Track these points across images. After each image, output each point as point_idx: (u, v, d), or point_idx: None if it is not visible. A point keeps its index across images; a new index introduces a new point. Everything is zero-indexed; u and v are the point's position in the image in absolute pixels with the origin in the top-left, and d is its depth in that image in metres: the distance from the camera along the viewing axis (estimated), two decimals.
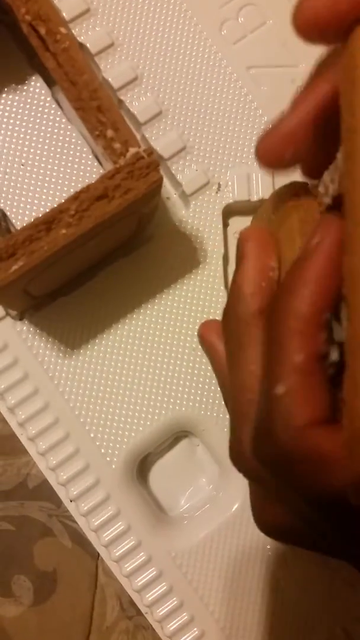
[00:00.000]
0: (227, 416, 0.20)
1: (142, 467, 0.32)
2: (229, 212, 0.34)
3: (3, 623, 0.31)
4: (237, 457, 0.18)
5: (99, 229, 0.25)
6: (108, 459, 0.31)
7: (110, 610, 0.32)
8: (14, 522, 0.32)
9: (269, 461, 0.16)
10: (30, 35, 0.25)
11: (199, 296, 0.32)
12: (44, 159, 0.31)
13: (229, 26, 0.33)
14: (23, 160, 0.31)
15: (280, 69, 0.34)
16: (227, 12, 0.33)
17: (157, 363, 0.32)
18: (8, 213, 0.30)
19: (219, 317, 0.31)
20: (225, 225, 0.34)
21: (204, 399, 0.32)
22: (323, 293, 0.16)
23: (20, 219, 0.30)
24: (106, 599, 0.32)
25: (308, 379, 0.15)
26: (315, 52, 0.18)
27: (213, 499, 0.32)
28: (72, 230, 0.25)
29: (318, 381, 0.15)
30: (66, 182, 0.30)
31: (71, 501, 0.31)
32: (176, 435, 0.33)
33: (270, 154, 0.17)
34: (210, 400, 0.32)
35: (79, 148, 0.31)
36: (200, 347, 0.31)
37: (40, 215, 0.24)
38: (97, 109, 0.25)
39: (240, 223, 0.34)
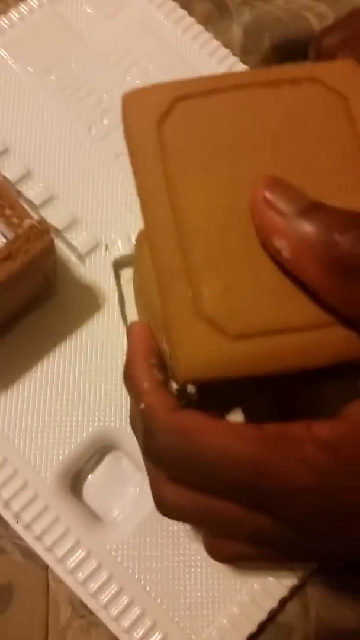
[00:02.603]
0: None
1: (76, 482, 0.38)
2: (118, 265, 0.42)
3: None
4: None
5: (9, 282, 0.33)
6: (42, 475, 0.37)
7: (63, 613, 0.37)
8: None
9: (163, 458, 0.23)
10: None
11: (103, 333, 0.40)
12: None
13: (96, 128, 0.44)
14: None
15: None
16: (94, 117, 0.44)
17: (75, 392, 0.39)
18: None
19: (118, 348, 0.39)
20: (118, 275, 0.42)
21: (118, 417, 0.38)
22: (143, 355, 0.25)
23: None
24: (59, 603, 0.37)
25: (157, 394, 0.24)
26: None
27: (138, 497, 0.38)
28: None
29: (165, 395, 0.24)
30: None
31: (17, 522, 0.37)
32: (101, 450, 0.39)
33: None
34: (123, 417, 0.39)
35: None
36: (109, 374, 0.39)
37: None
38: None
39: (129, 272, 0.43)
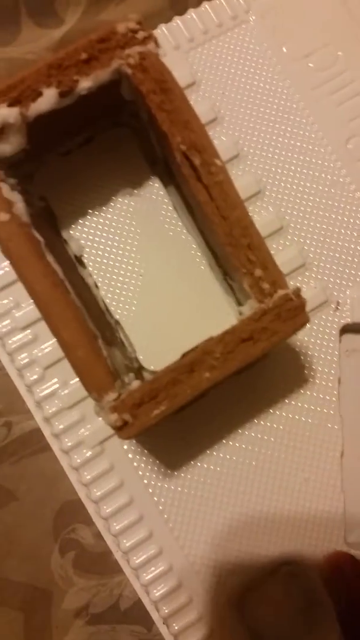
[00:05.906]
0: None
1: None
2: (344, 331, 0.32)
3: None
4: None
5: (239, 370, 0.24)
6: (212, 594, 0.29)
7: None
8: None
9: None
10: (183, 165, 0.24)
11: (308, 416, 0.31)
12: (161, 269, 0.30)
13: (355, 142, 0.33)
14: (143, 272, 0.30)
15: None
16: (354, 129, 0.33)
17: (261, 486, 0.30)
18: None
19: (328, 442, 0.30)
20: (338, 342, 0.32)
21: (302, 532, 0.30)
22: None
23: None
24: None
25: None
26: None
27: None
28: (216, 373, 0.23)
29: None
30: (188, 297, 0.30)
31: (164, 623, 0.29)
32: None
33: None
34: (309, 534, 0.30)
35: (197, 259, 0.30)
36: (300, 472, 0.30)
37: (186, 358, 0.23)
38: (247, 246, 0.24)
39: (351, 340, 0.33)
